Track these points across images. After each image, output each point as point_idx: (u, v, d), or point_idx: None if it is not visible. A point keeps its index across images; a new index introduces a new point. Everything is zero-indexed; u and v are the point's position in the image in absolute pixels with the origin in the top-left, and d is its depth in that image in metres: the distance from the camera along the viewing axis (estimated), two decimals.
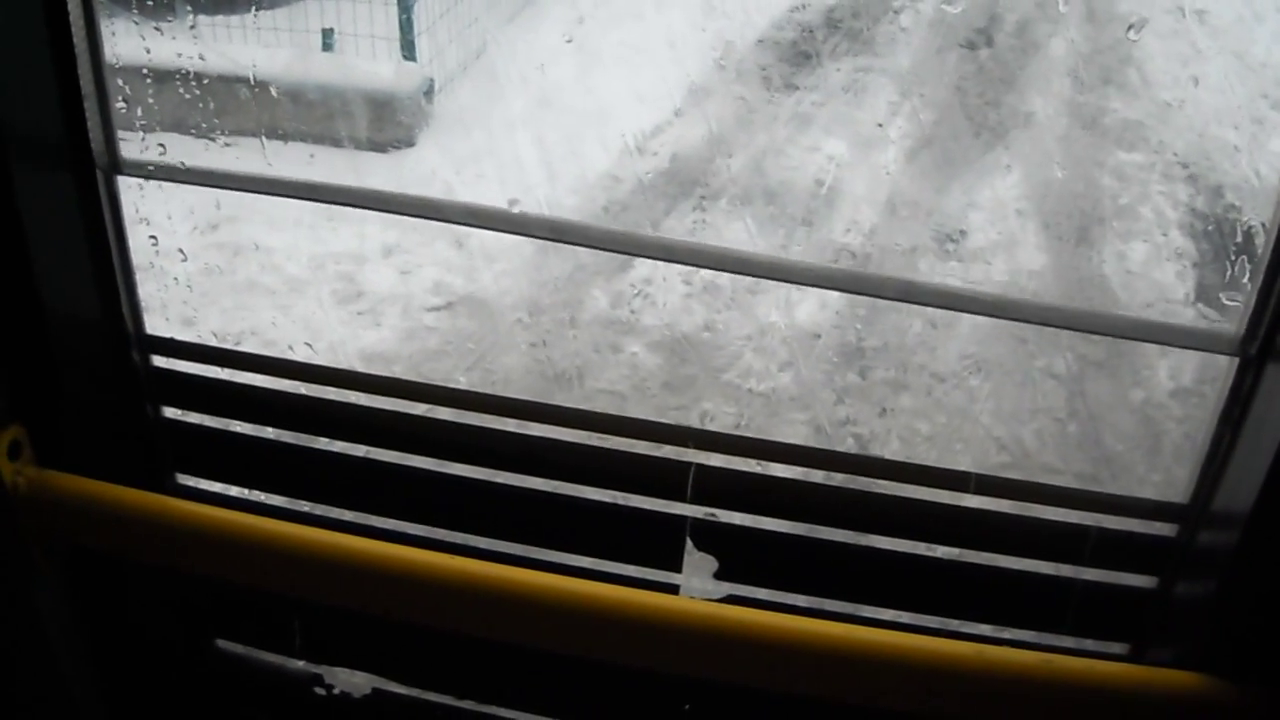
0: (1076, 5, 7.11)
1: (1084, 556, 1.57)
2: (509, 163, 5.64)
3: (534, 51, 6.35)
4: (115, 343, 1.70)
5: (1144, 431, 4.44)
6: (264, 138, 5.65)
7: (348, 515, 1.79)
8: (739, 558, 1.67)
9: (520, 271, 5.14)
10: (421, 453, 1.73)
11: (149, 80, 4.49)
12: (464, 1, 6.65)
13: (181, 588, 1.84)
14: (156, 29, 4.24)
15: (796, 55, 6.87)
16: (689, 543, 1.66)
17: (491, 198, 5.26)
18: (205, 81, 5.20)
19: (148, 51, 4.10)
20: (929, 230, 5.43)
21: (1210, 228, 5.53)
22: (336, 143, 5.95)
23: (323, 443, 1.78)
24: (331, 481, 1.79)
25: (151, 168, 1.69)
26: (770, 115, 6.29)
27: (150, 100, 4.60)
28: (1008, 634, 1.62)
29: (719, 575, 1.67)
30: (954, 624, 1.66)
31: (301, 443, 1.79)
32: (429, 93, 6.27)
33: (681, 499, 1.64)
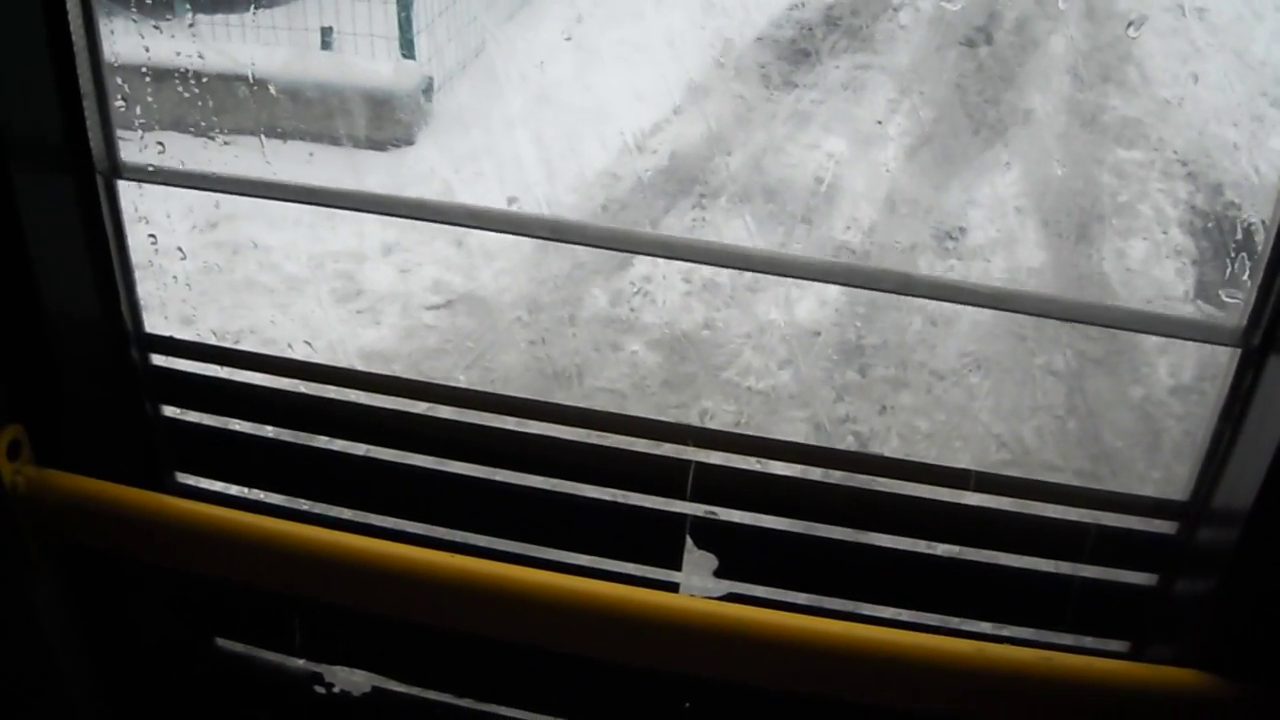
0: (1076, 2, 7.11)
1: (1084, 554, 1.57)
2: (508, 161, 5.64)
3: (533, 49, 6.35)
4: (114, 341, 1.70)
5: (1144, 429, 4.44)
6: (263, 136, 5.64)
7: (347, 514, 1.79)
8: (739, 556, 1.67)
9: (519, 269, 5.14)
10: (421, 451, 1.73)
11: (148, 79, 4.48)
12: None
13: (181, 586, 1.84)
14: (155, 27, 4.24)
15: (796, 53, 6.87)
16: (689, 540, 1.66)
17: (490, 196, 5.27)
18: (204, 80, 5.20)
19: (146, 50, 4.10)
20: (928, 228, 5.43)
21: (1210, 225, 5.53)
22: (335, 141, 5.94)
23: (322, 441, 1.78)
24: (331, 480, 1.79)
25: (151, 171, 1.69)
26: (769, 113, 6.29)
27: (149, 99, 4.59)
28: (1007, 631, 1.62)
29: (719, 573, 1.67)
30: (954, 621, 1.66)
31: (301, 441, 1.79)
32: (428, 91, 6.27)
33: (681, 497, 1.64)
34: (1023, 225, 5.44)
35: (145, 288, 1.75)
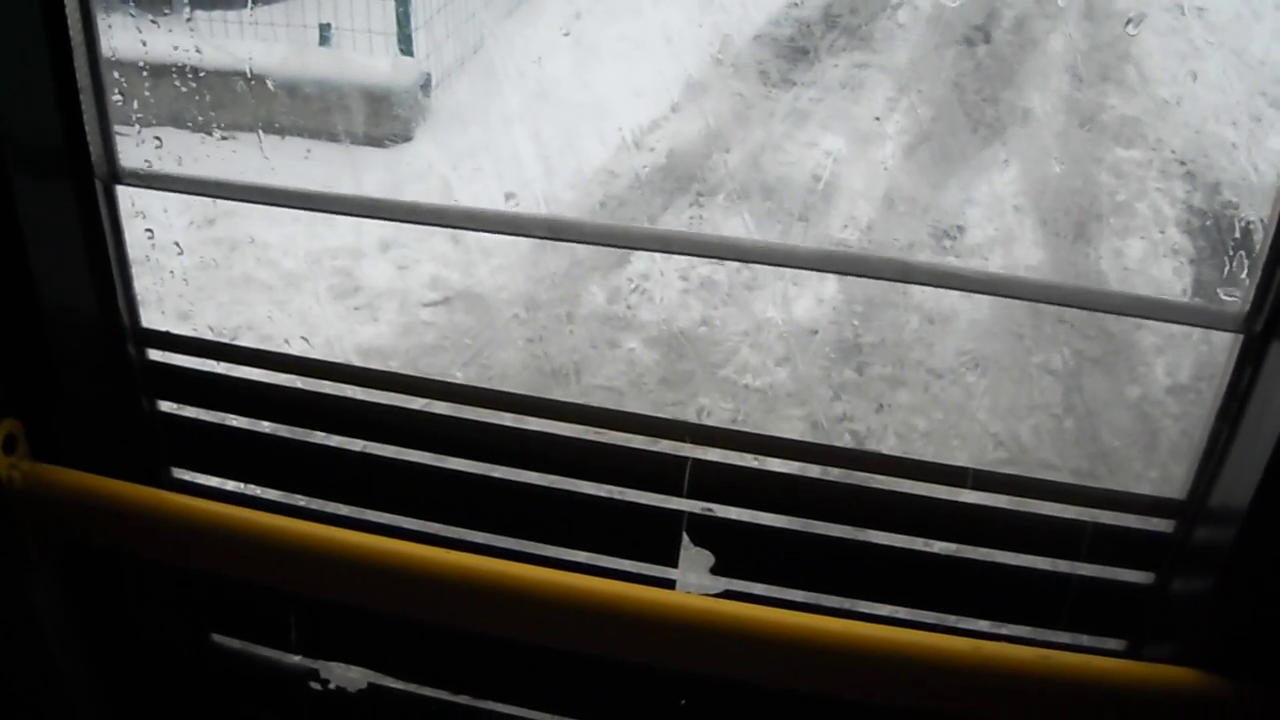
0: (1075, 1, 7.11)
1: (1081, 552, 1.57)
2: (506, 157, 5.64)
3: (531, 46, 6.34)
4: (111, 337, 1.70)
5: (1141, 427, 4.44)
6: (261, 132, 5.63)
7: (344, 510, 1.79)
8: (736, 553, 1.66)
9: (517, 267, 5.14)
10: (418, 447, 1.73)
11: (145, 74, 4.47)
12: None
13: (177, 582, 1.84)
14: (153, 22, 4.23)
15: (794, 51, 6.87)
16: (685, 537, 1.66)
17: (488, 192, 5.27)
18: (202, 75, 5.19)
19: (144, 45, 4.09)
20: (926, 226, 5.42)
21: (1208, 224, 5.53)
22: (333, 137, 5.94)
23: (319, 437, 1.78)
24: (328, 476, 1.79)
25: (151, 177, 1.69)
26: (767, 111, 6.29)
27: (146, 94, 4.59)
28: (1005, 629, 1.62)
29: (715, 570, 1.67)
30: (951, 619, 1.66)
31: (298, 437, 1.79)
32: (426, 87, 6.26)
33: (678, 494, 1.64)
34: (1021, 224, 5.44)
35: (142, 283, 1.75)
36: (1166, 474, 4.18)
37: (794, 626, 1.45)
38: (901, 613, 1.64)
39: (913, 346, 4.78)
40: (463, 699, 1.86)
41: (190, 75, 5.09)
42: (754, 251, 1.73)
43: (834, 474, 1.67)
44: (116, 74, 1.82)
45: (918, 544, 1.63)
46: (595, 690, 1.80)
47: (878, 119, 6.22)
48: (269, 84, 5.84)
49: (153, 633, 1.89)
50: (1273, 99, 6.32)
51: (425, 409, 1.74)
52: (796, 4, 7.22)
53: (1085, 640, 1.63)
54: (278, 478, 1.83)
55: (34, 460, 1.59)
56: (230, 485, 1.86)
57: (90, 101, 1.54)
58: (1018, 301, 4.82)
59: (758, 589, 1.68)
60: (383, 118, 6.07)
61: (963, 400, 4.52)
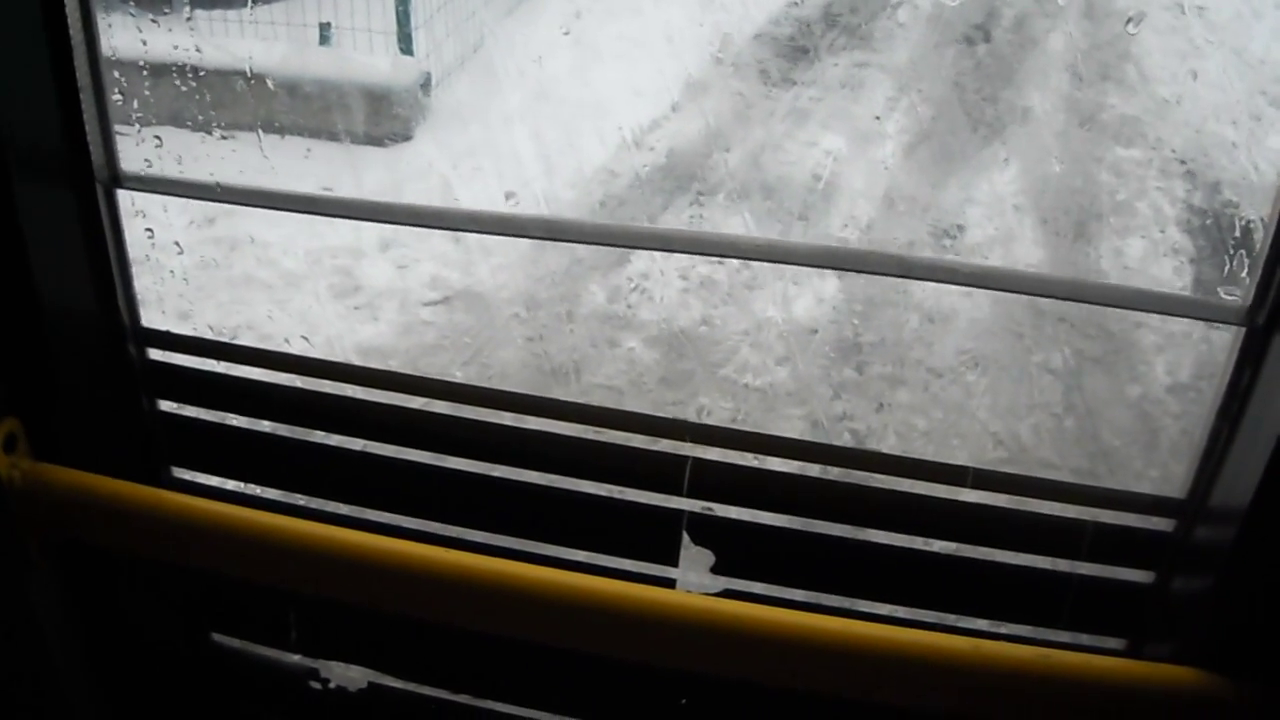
0: (1075, 0, 7.11)
1: (1081, 551, 1.57)
2: (506, 157, 5.64)
3: (531, 45, 6.34)
4: (111, 336, 1.69)
5: (1141, 426, 4.44)
6: (260, 131, 5.63)
7: (344, 509, 1.79)
8: (735, 552, 1.66)
9: (517, 266, 5.14)
10: (418, 446, 1.73)
11: (145, 73, 4.47)
12: None
13: (177, 581, 1.84)
14: (153, 21, 4.23)
15: (794, 50, 6.87)
16: (685, 537, 1.66)
17: (488, 191, 5.27)
18: (202, 75, 5.19)
19: (144, 44, 4.09)
20: (926, 225, 5.43)
21: (1208, 223, 5.53)
22: (333, 136, 5.94)
23: (319, 436, 1.78)
24: (328, 475, 1.79)
25: (152, 181, 1.69)
26: (767, 110, 6.29)
27: (146, 93, 4.59)
28: (1005, 629, 1.62)
29: (715, 569, 1.67)
30: (951, 619, 1.66)
31: (298, 436, 1.79)
32: (426, 86, 6.26)
33: (678, 493, 1.64)
34: (1021, 223, 5.44)
35: (142, 282, 1.74)
36: (1167, 473, 4.18)
37: (794, 626, 1.45)
38: (901, 612, 1.64)
39: (912, 345, 4.78)
40: (463, 698, 1.86)
41: (190, 74, 5.09)
42: (753, 249, 1.73)
43: (834, 473, 1.67)
44: (116, 73, 1.82)
45: (918, 543, 1.63)
46: (595, 689, 1.80)
47: (878, 118, 6.22)
48: (269, 83, 5.84)
49: (152, 632, 1.89)
50: (1273, 98, 6.32)
51: (425, 408, 1.74)
52: (796, 3, 7.22)
53: (1085, 639, 1.63)
54: (278, 477, 1.83)
55: (34, 459, 1.59)
56: (230, 485, 1.86)
57: (90, 101, 1.54)
58: (1017, 301, 4.84)
59: (758, 588, 1.68)
60: (383, 117, 6.08)
61: (963, 399, 4.52)
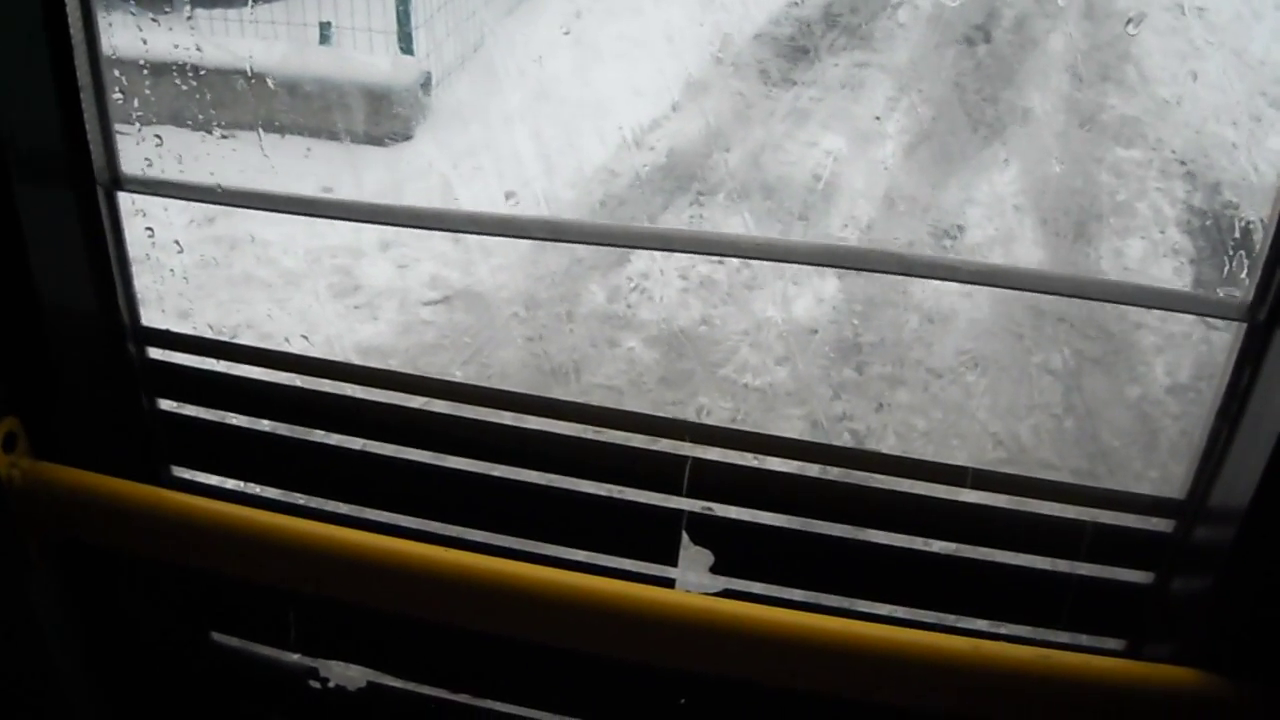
0: (1075, 1, 7.11)
1: (1080, 552, 1.57)
2: (506, 156, 5.64)
3: (532, 45, 6.35)
4: (111, 335, 1.69)
5: (1141, 427, 4.44)
6: (261, 131, 5.63)
7: (343, 508, 1.79)
8: (735, 552, 1.66)
9: (517, 266, 5.14)
10: (417, 446, 1.72)
11: (145, 72, 4.48)
12: None
13: (177, 581, 1.84)
14: (154, 20, 4.23)
15: (794, 50, 6.87)
16: (685, 537, 1.66)
17: (489, 191, 5.27)
18: (202, 74, 5.19)
19: (144, 43, 4.09)
20: (926, 225, 5.43)
21: (1208, 224, 5.53)
22: (334, 136, 5.94)
23: (319, 436, 1.78)
24: (327, 474, 1.79)
25: (153, 183, 1.69)
26: (768, 110, 6.29)
27: (147, 92, 4.59)
28: (1004, 629, 1.62)
29: (715, 569, 1.67)
30: (950, 619, 1.66)
31: (297, 435, 1.79)
32: (426, 86, 6.26)
33: (678, 493, 1.64)
34: (1021, 223, 5.44)
35: (142, 281, 1.74)
36: (1166, 473, 4.18)
37: (793, 626, 1.45)
38: (901, 612, 1.64)
39: (912, 346, 4.78)
40: (462, 697, 1.86)
41: (191, 73, 5.09)
42: (753, 249, 1.73)
43: (833, 473, 1.67)
44: (117, 72, 1.82)
45: (917, 543, 1.63)
46: (595, 689, 1.80)
47: (878, 118, 6.22)
48: (269, 82, 5.84)
49: (152, 631, 1.89)
50: (1273, 99, 6.32)
51: (425, 407, 1.74)
52: (797, 3, 7.22)
53: (1085, 640, 1.63)
54: (277, 476, 1.83)
55: (34, 458, 1.59)
56: (230, 484, 1.86)
57: (91, 101, 1.54)
58: (1017, 301, 4.84)
59: (757, 588, 1.68)
60: (383, 116, 6.08)
61: (962, 399, 4.52)
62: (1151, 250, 5.38)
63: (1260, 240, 1.38)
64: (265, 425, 1.80)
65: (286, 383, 1.77)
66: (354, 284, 5.12)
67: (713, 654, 1.49)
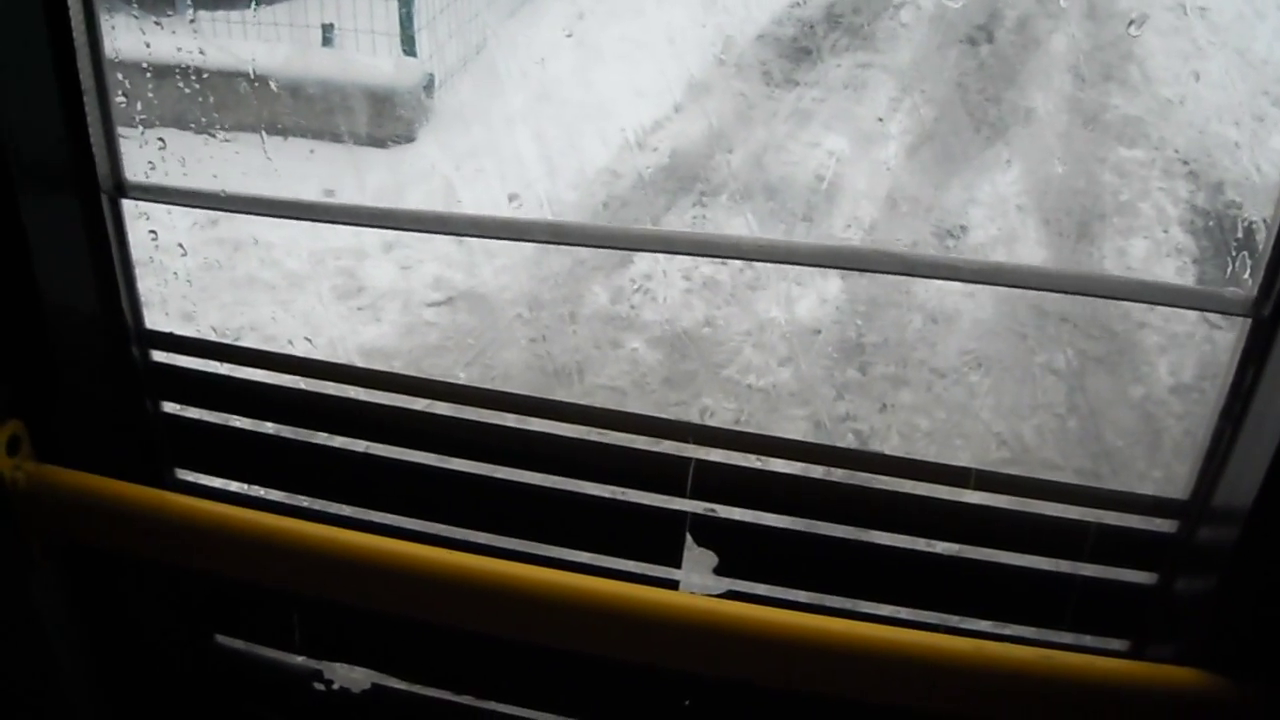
0: (1077, 1, 7.11)
1: (1084, 552, 1.57)
2: (509, 158, 5.64)
3: (534, 46, 6.35)
4: (115, 337, 1.70)
5: (1144, 427, 4.44)
6: (264, 133, 5.64)
7: (347, 510, 1.79)
8: (738, 553, 1.66)
9: (520, 267, 5.14)
10: (421, 448, 1.73)
11: (149, 75, 4.48)
12: None
13: (180, 583, 1.84)
14: (156, 23, 4.23)
15: (797, 51, 6.87)
16: (689, 538, 1.66)
17: (491, 193, 5.27)
18: (205, 76, 5.20)
19: (147, 46, 4.10)
20: (929, 226, 5.43)
21: (1210, 224, 5.53)
22: (336, 138, 5.94)
23: (322, 438, 1.78)
24: (331, 476, 1.79)
25: (156, 190, 1.69)
26: (770, 111, 6.29)
27: (150, 95, 4.60)
28: (1007, 630, 1.62)
29: (718, 570, 1.67)
30: (953, 620, 1.66)
31: (301, 438, 1.79)
32: (429, 88, 6.27)
33: (681, 494, 1.64)
34: (1023, 223, 5.44)
35: (146, 284, 1.75)
36: (1170, 474, 4.17)
37: (797, 627, 1.45)
38: (904, 613, 1.64)
39: (915, 346, 4.78)
40: (466, 699, 1.86)
41: (193, 76, 5.10)
42: (756, 250, 1.73)
43: (837, 474, 1.67)
44: (120, 75, 1.82)
45: (920, 544, 1.63)
46: (598, 691, 1.80)
47: (880, 119, 6.22)
48: (272, 85, 5.85)
49: (156, 634, 1.89)
50: (1276, 98, 6.32)
51: (428, 410, 1.74)
52: (799, 4, 7.22)
53: (1088, 641, 1.63)
54: (281, 479, 1.83)
55: (38, 461, 1.59)
56: (233, 486, 1.86)
57: (94, 105, 1.54)
58: (1020, 301, 4.84)
59: (761, 589, 1.68)
60: (385, 118, 6.08)
61: (966, 400, 4.52)
62: (1154, 250, 5.37)
63: (1263, 239, 1.38)
64: (268, 428, 1.80)
65: (290, 385, 1.77)
66: (357, 285, 5.12)
67: (716, 655, 1.50)
